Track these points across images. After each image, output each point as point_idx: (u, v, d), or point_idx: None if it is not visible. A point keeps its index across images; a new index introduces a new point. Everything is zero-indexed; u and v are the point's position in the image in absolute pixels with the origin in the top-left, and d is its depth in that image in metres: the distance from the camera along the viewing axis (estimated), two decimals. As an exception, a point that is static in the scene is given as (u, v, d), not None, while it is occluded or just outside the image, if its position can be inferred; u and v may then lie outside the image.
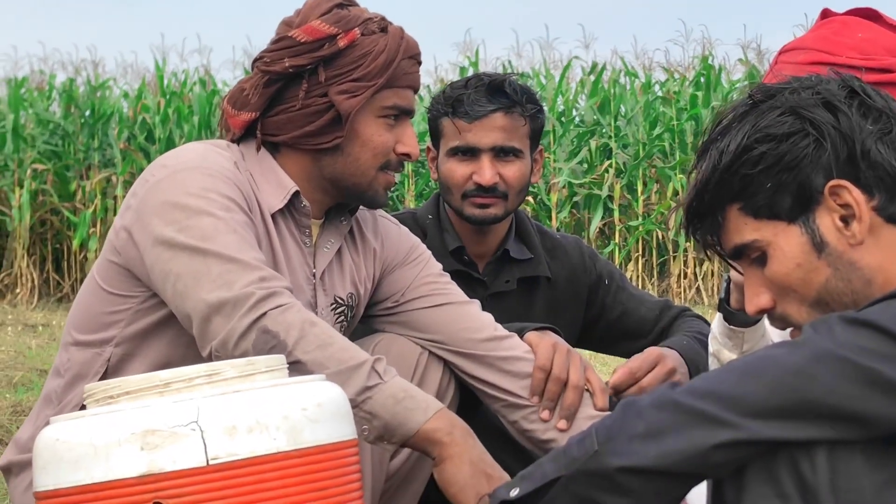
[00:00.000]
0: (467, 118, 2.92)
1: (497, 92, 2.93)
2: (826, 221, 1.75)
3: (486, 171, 2.89)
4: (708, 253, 1.90)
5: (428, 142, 3.09)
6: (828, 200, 1.74)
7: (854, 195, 1.73)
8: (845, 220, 1.75)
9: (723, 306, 2.34)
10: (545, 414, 2.44)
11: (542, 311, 2.96)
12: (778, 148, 1.75)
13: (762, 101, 1.81)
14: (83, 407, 2.09)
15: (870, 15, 2.48)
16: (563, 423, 2.42)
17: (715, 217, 1.82)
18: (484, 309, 2.60)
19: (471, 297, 2.61)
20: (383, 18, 2.38)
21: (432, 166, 3.06)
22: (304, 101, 2.33)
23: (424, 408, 2.11)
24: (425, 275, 2.57)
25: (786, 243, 1.77)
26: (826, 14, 2.48)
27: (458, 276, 2.80)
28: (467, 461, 2.08)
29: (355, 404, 2.08)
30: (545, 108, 2.98)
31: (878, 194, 1.75)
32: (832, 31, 2.43)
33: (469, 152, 2.92)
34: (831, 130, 1.74)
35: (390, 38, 2.35)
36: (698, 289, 10.92)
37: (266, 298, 2.13)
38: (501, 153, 2.92)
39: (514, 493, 1.69)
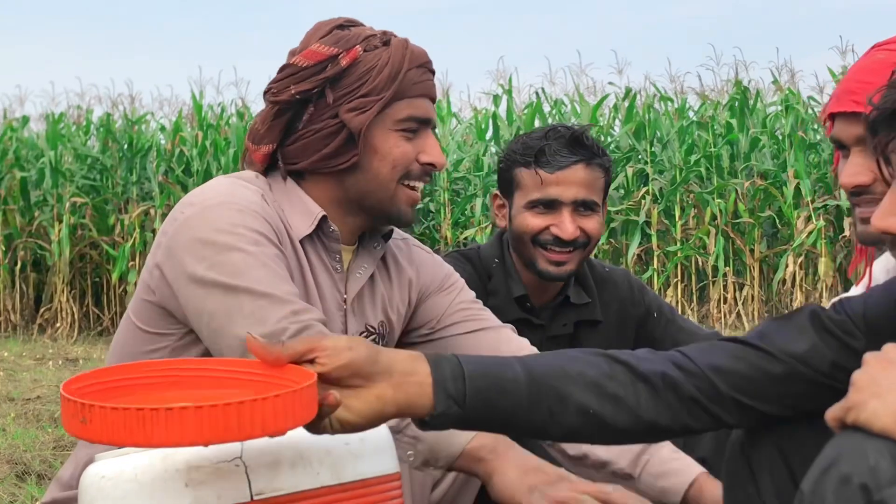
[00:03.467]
0: (549, 168, 2.89)
1: (577, 143, 2.91)
2: None
3: (569, 226, 2.88)
4: (882, 151, 1.80)
5: (494, 189, 3.06)
6: None
7: None
8: None
9: None
10: None
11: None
12: None
13: None
14: (127, 443, 2.10)
15: None
16: None
17: None
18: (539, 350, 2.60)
19: (529, 340, 2.59)
20: (386, 33, 2.37)
21: (499, 214, 3.03)
22: (315, 125, 2.33)
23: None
24: (460, 301, 2.56)
25: None
26: None
27: (519, 322, 2.82)
28: (513, 468, 2.08)
29: (398, 430, 2.08)
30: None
31: None
32: None
33: (549, 205, 2.91)
34: None
35: (394, 49, 2.33)
36: (738, 314, 10.84)
37: (300, 333, 2.14)
38: (582, 207, 2.91)
39: None
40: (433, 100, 2.41)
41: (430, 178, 2.45)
